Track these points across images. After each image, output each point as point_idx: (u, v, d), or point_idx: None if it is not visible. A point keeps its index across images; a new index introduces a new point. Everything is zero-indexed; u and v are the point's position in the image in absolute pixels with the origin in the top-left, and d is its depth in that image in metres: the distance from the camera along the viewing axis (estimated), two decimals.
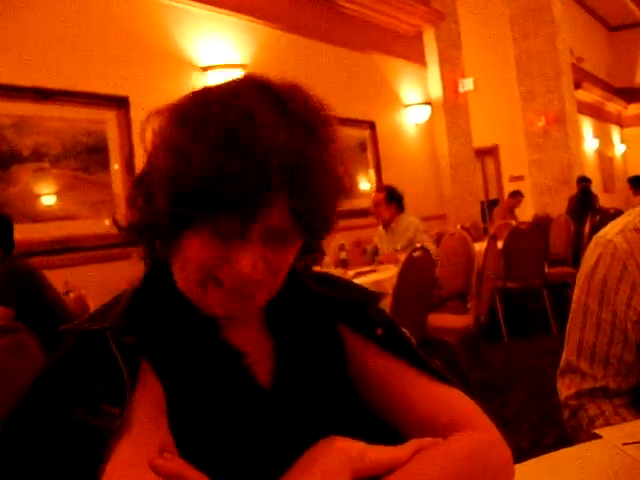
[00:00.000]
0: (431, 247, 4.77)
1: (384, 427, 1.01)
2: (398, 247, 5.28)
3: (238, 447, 0.89)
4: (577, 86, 13.98)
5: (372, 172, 8.50)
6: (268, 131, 0.82)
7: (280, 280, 0.92)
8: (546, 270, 6.86)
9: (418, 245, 4.35)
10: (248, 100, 0.84)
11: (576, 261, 7.49)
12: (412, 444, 0.89)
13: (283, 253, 0.89)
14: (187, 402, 0.88)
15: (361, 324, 1.05)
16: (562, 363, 1.55)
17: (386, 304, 3.72)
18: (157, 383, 0.87)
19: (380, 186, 6.35)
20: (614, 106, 17.88)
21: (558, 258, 7.55)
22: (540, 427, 3.97)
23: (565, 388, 1.52)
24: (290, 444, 0.86)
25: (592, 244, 1.52)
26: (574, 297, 1.54)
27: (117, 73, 5.39)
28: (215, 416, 0.90)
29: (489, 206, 13.13)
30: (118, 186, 5.28)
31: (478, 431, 0.96)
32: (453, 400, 1.01)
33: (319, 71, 7.62)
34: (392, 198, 5.47)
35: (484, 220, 11.50)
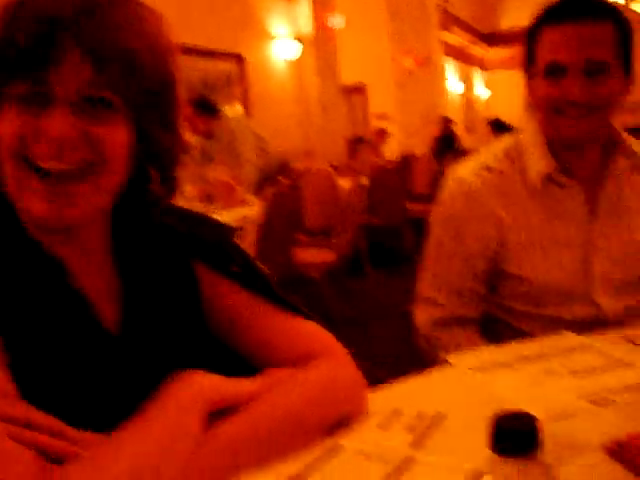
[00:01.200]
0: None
1: (242, 363, 1.01)
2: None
3: (86, 392, 0.86)
4: (444, 28, 14.25)
5: (239, 106, 8.37)
6: None
7: (110, 171, 0.85)
8: (408, 207, 7.06)
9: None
10: None
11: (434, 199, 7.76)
12: (267, 375, 0.90)
13: (105, 127, 0.82)
14: (30, 348, 0.83)
15: (216, 261, 1.03)
16: (418, 293, 1.62)
17: (251, 239, 3.71)
18: None
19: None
20: (479, 50, 18.38)
21: (420, 195, 7.77)
22: (402, 360, 4.13)
23: (420, 317, 1.60)
24: (141, 386, 0.83)
25: (448, 180, 1.58)
26: (430, 231, 1.60)
27: None
28: (60, 362, 0.85)
29: (356, 143, 13.27)
30: None
31: (332, 360, 0.98)
32: (308, 332, 1.02)
33: None
34: (202, 107, 5.09)
35: (351, 157, 11.63)
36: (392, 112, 13.19)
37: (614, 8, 1.43)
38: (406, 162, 8.10)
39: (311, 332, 1.02)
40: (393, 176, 6.66)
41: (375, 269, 6.47)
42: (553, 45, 1.41)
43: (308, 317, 1.04)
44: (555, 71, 1.41)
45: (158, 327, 0.96)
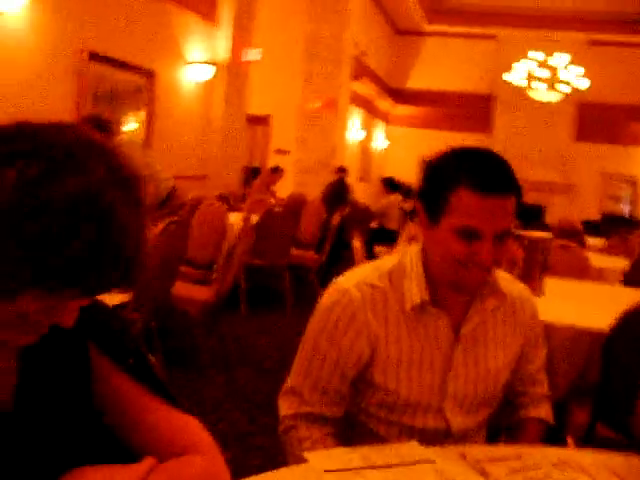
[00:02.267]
0: None
1: (123, 446, 1.10)
2: None
3: None
4: (355, 77, 14.65)
5: (143, 121, 8.34)
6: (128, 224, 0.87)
7: None
8: (292, 252, 7.21)
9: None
10: (108, 196, 0.86)
11: (320, 247, 7.95)
12: (146, 463, 0.99)
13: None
14: None
15: (111, 349, 1.11)
16: (287, 384, 1.73)
17: None
18: None
19: (83, 117, 5.80)
20: (385, 103, 18.93)
21: (306, 242, 7.94)
22: (261, 407, 4.23)
23: (285, 407, 1.70)
24: (32, 467, 0.90)
25: (331, 288, 1.70)
26: (307, 330, 1.71)
27: None
28: None
29: (252, 173, 13.40)
30: None
31: (204, 456, 1.08)
32: (186, 426, 1.12)
33: (107, 9, 7.30)
34: (98, 126, 4.75)
35: (244, 186, 11.72)
36: (291, 148, 13.40)
37: (514, 177, 1.56)
38: (296, 205, 8.26)
39: (189, 426, 1.12)
40: (281, 220, 6.79)
41: (250, 308, 6.56)
42: (472, 211, 1.50)
43: (185, 410, 1.14)
44: (469, 234, 1.52)
45: (49, 406, 1.03)
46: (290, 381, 1.72)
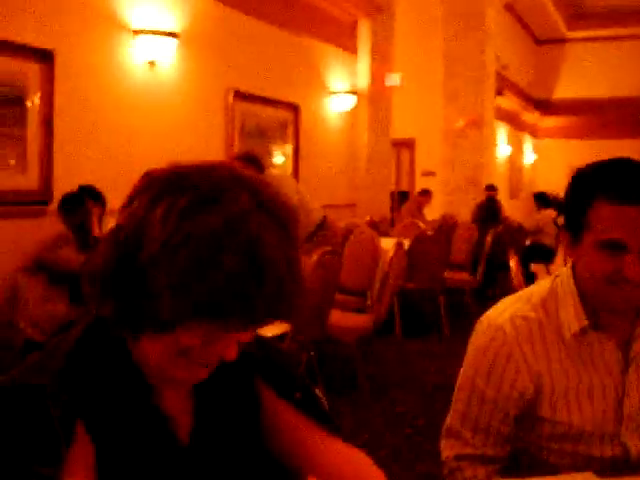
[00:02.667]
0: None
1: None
2: None
3: None
4: (498, 92, 14.37)
5: (290, 154, 8.55)
6: (275, 254, 0.89)
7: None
8: (445, 275, 7.11)
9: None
10: (253, 225, 0.89)
11: (475, 268, 7.80)
12: None
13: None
14: (114, 462, 0.94)
15: (280, 384, 1.13)
16: (447, 426, 1.68)
17: None
18: (89, 444, 0.92)
19: (235, 154, 6.14)
20: (531, 116, 18.46)
21: (459, 264, 7.82)
22: (422, 433, 4.17)
23: (447, 449, 1.66)
24: None
25: (484, 325, 1.63)
26: (462, 370, 1.66)
27: (44, 25, 5.23)
28: (139, 475, 0.96)
29: (399, 197, 13.41)
30: (34, 142, 5.16)
31: None
32: (356, 459, 1.12)
33: (249, 48, 7.60)
34: (249, 162, 4.97)
35: (393, 210, 11.76)
36: (438, 169, 13.30)
37: None
38: (446, 228, 8.16)
39: (358, 460, 1.12)
40: (433, 243, 6.73)
41: (405, 333, 6.52)
42: (612, 222, 1.43)
43: (349, 439, 1.14)
44: (613, 247, 1.44)
45: (223, 441, 1.06)
46: (450, 422, 1.68)
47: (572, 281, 1.59)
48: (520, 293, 1.69)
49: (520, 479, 1.44)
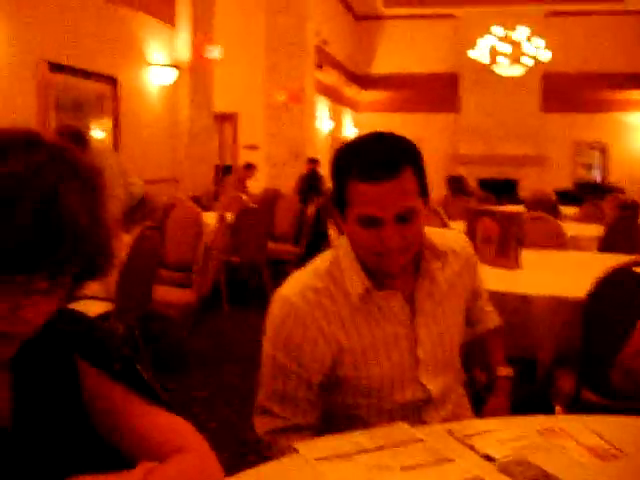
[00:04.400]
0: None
1: (117, 453, 1.12)
2: None
3: None
4: (319, 67, 14.63)
5: (110, 128, 8.28)
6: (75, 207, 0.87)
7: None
8: (270, 246, 7.21)
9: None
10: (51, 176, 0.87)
11: (298, 240, 7.96)
12: (141, 468, 1.00)
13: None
14: None
15: (98, 358, 1.13)
16: (257, 404, 1.73)
17: (113, 278, 3.72)
18: None
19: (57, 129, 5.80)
20: (350, 90, 18.94)
21: (282, 235, 7.95)
22: (251, 402, 4.23)
23: (260, 425, 1.71)
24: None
25: (277, 301, 1.69)
26: (264, 348, 1.71)
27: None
28: None
29: (223, 171, 13.37)
30: None
31: (196, 455, 1.10)
32: (177, 427, 1.14)
33: (63, 16, 7.23)
34: (71, 137, 4.66)
35: (216, 184, 11.71)
36: (261, 143, 13.38)
37: (407, 150, 1.60)
38: (271, 200, 8.27)
39: (179, 428, 1.14)
40: (256, 216, 6.79)
41: (233, 306, 6.57)
42: (365, 199, 1.54)
43: (176, 412, 1.16)
44: (370, 222, 1.55)
45: (45, 421, 1.05)
46: (259, 399, 1.73)
47: (351, 249, 1.69)
48: (308, 266, 1.76)
49: (339, 434, 1.50)
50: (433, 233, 1.78)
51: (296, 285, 1.70)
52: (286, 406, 1.68)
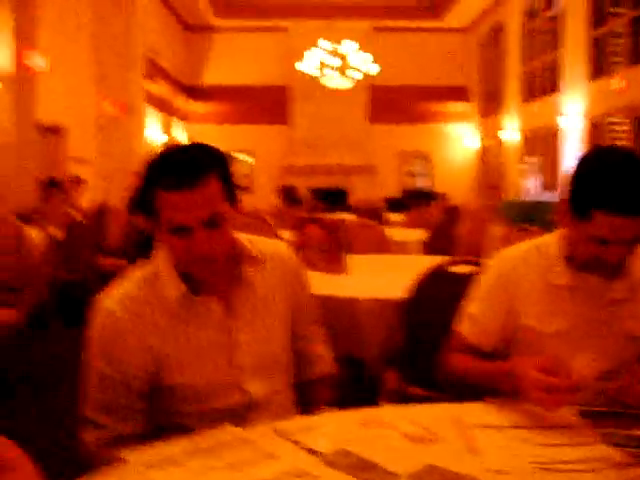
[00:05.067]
0: None
1: None
2: None
3: None
4: (149, 78, 14.43)
5: None
6: None
7: None
8: (100, 262, 7.03)
9: None
10: None
11: (130, 253, 7.79)
12: None
13: None
14: None
15: None
16: (82, 416, 1.71)
17: None
18: None
19: None
20: (181, 101, 18.79)
21: (113, 249, 7.75)
22: None
23: (87, 438, 1.69)
24: None
25: (96, 311, 1.70)
26: (86, 358, 1.70)
27: None
28: None
29: (49, 185, 12.79)
30: None
31: (20, 473, 1.08)
32: (7, 454, 1.11)
33: None
34: None
35: (43, 201, 11.20)
36: (91, 156, 12.99)
37: (211, 156, 1.64)
38: (100, 214, 8.05)
39: (2, 447, 1.12)
40: (87, 229, 6.61)
41: (64, 324, 6.33)
42: (172, 208, 1.58)
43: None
44: (179, 230, 1.59)
45: None
46: (84, 411, 1.70)
47: (168, 256, 1.72)
48: (127, 275, 1.77)
49: (167, 441, 1.50)
50: (254, 241, 1.83)
51: (115, 294, 1.70)
52: (111, 416, 1.67)
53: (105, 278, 6.99)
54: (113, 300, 1.68)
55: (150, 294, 1.70)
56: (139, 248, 7.83)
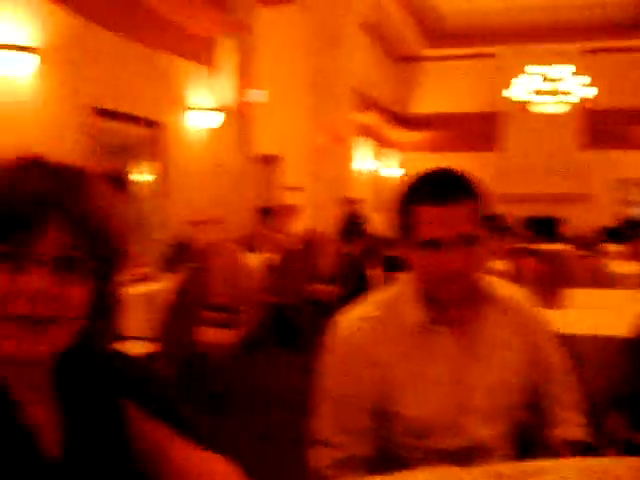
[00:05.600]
0: None
1: None
2: None
3: None
4: (361, 109, 14.78)
5: (154, 172, 8.43)
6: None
7: (75, 319, 1.00)
8: (312, 288, 7.23)
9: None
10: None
11: (341, 281, 7.96)
12: None
13: (71, 284, 0.98)
14: None
15: (144, 399, 1.14)
16: (314, 437, 1.74)
17: (156, 317, 3.77)
18: None
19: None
20: (393, 131, 19.02)
21: (325, 276, 7.96)
22: (297, 445, 4.20)
23: (318, 458, 1.72)
24: None
25: (332, 330, 1.74)
26: (320, 378, 1.74)
27: None
28: None
29: (266, 213, 13.44)
30: None
31: None
32: (220, 468, 1.14)
33: (109, 63, 7.44)
34: (111, 179, 4.85)
35: (259, 225, 11.78)
36: (304, 185, 13.47)
37: (472, 183, 1.65)
38: (311, 242, 8.30)
39: (220, 466, 1.14)
40: (300, 257, 6.84)
41: (278, 347, 6.57)
42: (429, 221, 1.60)
43: (218, 452, 1.17)
44: (433, 244, 1.59)
45: (92, 456, 1.06)
46: (315, 429, 1.74)
47: (412, 280, 1.71)
48: (369, 297, 1.79)
49: (382, 476, 1.49)
50: (493, 282, 1.79)
51: (354, 314, 1.75)
52: (344, 436, 1.69)
53: (314, 304, 7.24)
54: (351, 319, 1.73)
55: (388, 317, 1.71)
56: (350, 276, 8.01)
